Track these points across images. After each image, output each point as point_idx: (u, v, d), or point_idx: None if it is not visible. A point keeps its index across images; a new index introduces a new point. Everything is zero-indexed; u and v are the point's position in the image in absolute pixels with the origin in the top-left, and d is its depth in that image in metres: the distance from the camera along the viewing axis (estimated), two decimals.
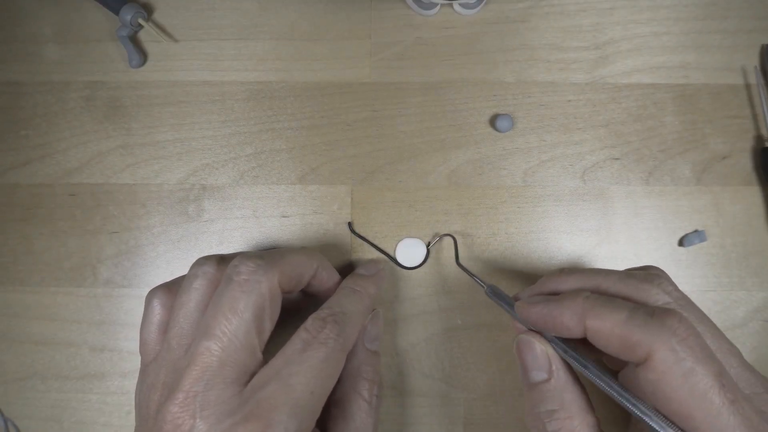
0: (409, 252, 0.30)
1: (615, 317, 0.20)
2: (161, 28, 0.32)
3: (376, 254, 0.31)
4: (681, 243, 0.31)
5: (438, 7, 0.32)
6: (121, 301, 0.31)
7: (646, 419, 0.19)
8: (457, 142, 0.32)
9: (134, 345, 0.31)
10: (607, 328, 0.20)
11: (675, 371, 0.18)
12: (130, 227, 0.31)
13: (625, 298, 0.22)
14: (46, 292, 0.31)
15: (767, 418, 0.18)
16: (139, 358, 0.24)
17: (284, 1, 0.33)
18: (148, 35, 0.32)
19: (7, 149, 0.32)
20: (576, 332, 0.21)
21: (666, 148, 0.31)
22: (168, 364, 0.22)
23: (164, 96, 0.32)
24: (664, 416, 0.19)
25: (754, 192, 0.31)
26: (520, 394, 0.30)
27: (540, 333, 0.23)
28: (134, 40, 0.32)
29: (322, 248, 0.31)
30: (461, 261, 0.30)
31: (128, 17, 0.31)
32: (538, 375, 0.22)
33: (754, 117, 0.32)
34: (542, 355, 0.22)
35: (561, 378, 0.22)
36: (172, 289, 0.25)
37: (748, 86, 0.32)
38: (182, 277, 0.26)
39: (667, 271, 0.24)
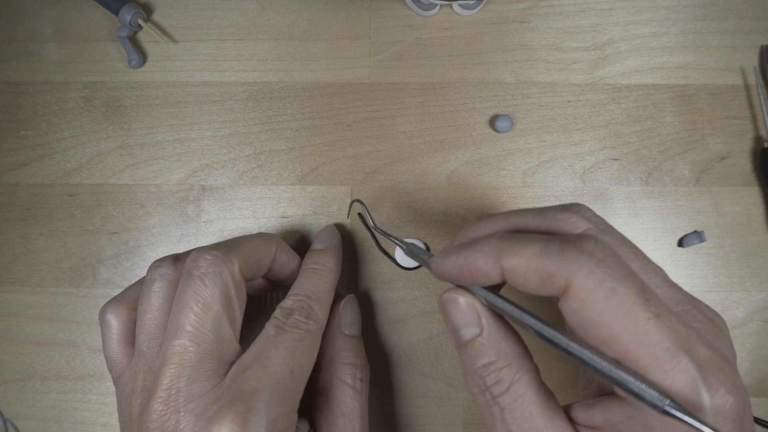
0: None
1: (529, 251, 0.18)
2: (161, 29, 0.32)
3: (374, 248, 0.31)
4: (680, 243, 0.31)
5: (437, 7, 0.32)
6: None
7: (574, 352, 0.18)
8: (456, 143, 0.32)
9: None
10: (523, 263, 0.18)
11: (596, 294, 0.17)
12: (130, 227, 0.31)
13: (545, 232, 0.20)
14: (46, 292, 0.31)
15: (696, 332, 0.17)
16: None
17: (284, 1, 0.33)
18: (147, 35, 0.32)
19: (6, 149, 0.32)
20: (494, 276, 0.19)
21: (665, 148, 0.31)
22: (144, 368, 0.23)
23: (164, 96, 0.32)
24: (596, 350, 0.17)
25: (754, 192, 0.31)
26: None
27: (465, 289, 0.21)
28: (134, 41, 0.32)
29: None
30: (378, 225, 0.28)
31: (128, 17, 0.31)
32: (469, 331, 0.20)
33: (754, 117, 0.32)
34: (469, 308, 0.21)
35: (493, 329, 0.20)
36: (122, 301, 0.25)
37: (747, 87, 0.32)
38: (131, 288, 0.26)
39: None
